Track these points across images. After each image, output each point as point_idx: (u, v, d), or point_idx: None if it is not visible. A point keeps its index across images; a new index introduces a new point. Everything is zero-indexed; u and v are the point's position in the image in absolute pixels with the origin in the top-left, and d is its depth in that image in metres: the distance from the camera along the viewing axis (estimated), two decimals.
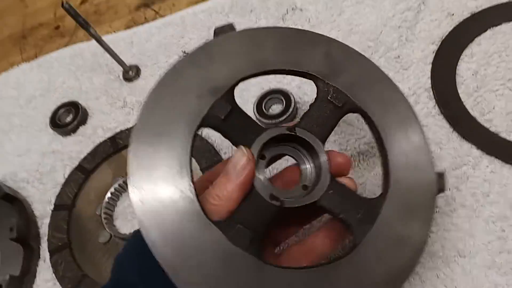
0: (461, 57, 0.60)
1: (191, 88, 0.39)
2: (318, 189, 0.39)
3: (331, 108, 0.42)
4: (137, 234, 0.36)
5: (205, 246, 0.34)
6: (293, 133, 0.40)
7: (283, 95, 0.60)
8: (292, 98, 0.60)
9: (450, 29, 0.62)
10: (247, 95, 0.64)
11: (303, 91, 0.62)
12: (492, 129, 0.53)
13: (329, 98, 0.42)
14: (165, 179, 0.36)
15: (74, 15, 0.54)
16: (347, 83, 0.43)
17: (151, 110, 0.38)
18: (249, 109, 0.62)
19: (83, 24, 0.56)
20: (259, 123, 0.42)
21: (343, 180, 0.40)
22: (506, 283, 0.45)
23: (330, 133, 0.42)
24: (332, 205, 0.38)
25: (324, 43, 0.45)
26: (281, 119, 0.59)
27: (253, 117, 0.49)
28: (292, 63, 0.43)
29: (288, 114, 0.59)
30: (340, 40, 0.64)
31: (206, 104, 0.39)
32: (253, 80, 0.65)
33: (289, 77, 0.64)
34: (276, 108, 0.62)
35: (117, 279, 0.39)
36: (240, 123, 0.40)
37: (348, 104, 0.42)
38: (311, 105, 0.42)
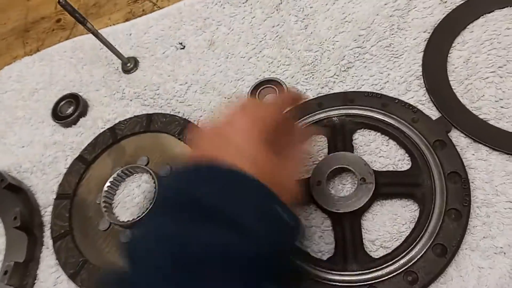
0: (453, 44, 0.60)
1: None
2: None
3: None
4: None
5: None
6: None
7: (275, 84, 0.61)
8: (284, 87, 0.61)
9: (442, 16, 0.61)
10: (241, 85, 0.65)
11: (296, 79, 0.63)
12: (481, 116, 0.54)
13: None
14: None
15: (71, 11, 0.55)
16: None
17: None
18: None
19: (80, 20, 0.57)
20: None
21: None
22: (489, 266, 0.46)
23: None
24: None
25: None
26: None
27: None
28: None
29: None
30: (333, 29, 0.65)
31: None
32: (247, 70, 0.66)
33: (283, 67, 0.65)
34: (269, 97, 0.63)
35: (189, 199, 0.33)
36: None
37: None
38: None
